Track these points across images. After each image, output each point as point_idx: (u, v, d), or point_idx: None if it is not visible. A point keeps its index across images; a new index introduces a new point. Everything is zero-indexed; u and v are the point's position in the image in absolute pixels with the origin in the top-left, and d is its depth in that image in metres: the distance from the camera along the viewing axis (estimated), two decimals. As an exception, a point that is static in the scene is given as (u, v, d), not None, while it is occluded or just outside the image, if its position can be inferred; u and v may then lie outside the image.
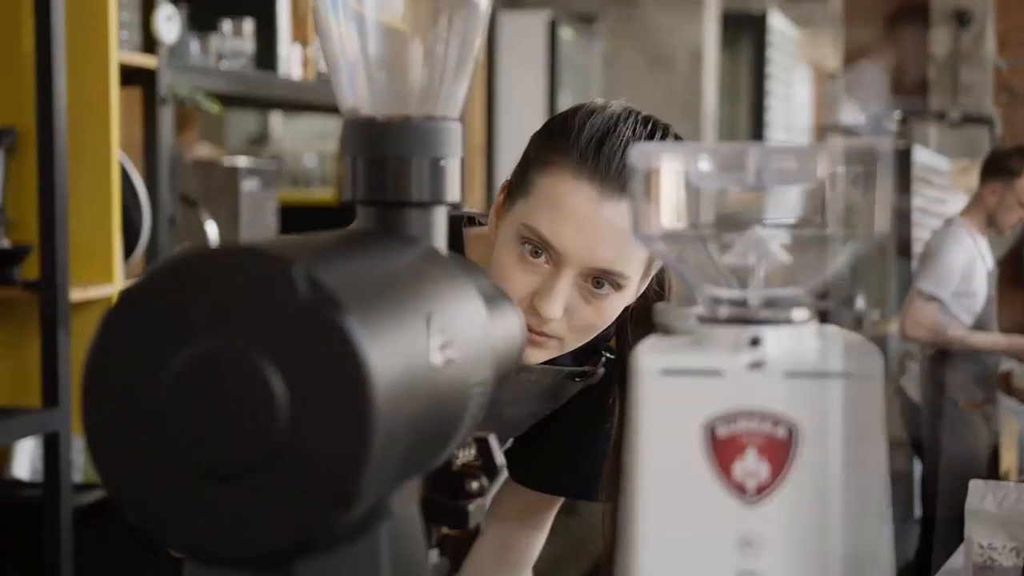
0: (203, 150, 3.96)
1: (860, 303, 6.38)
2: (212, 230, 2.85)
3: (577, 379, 1.38)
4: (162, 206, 2.68)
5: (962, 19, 9.47)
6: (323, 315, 0.62)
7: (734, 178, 0.72)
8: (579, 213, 1.20)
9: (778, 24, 7.54)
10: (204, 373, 0.63)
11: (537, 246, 1.22)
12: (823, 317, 0.72)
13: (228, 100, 3.10)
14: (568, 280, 1.21)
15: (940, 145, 7.78)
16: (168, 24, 2.63)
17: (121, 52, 2.55)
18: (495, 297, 0.88)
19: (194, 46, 2.93)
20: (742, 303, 0.73)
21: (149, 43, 2.66)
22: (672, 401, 0.70)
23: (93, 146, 2.47)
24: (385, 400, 0.63)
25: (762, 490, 0.68)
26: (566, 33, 4.80)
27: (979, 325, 4.22)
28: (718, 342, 0.72)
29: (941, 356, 4.26)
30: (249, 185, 2.94)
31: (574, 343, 1.27)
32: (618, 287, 1.23)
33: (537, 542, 1.53)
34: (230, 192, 2.97)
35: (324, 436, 0.61)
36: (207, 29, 2.99)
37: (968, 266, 4.16)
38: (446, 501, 0.81)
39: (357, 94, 0.85)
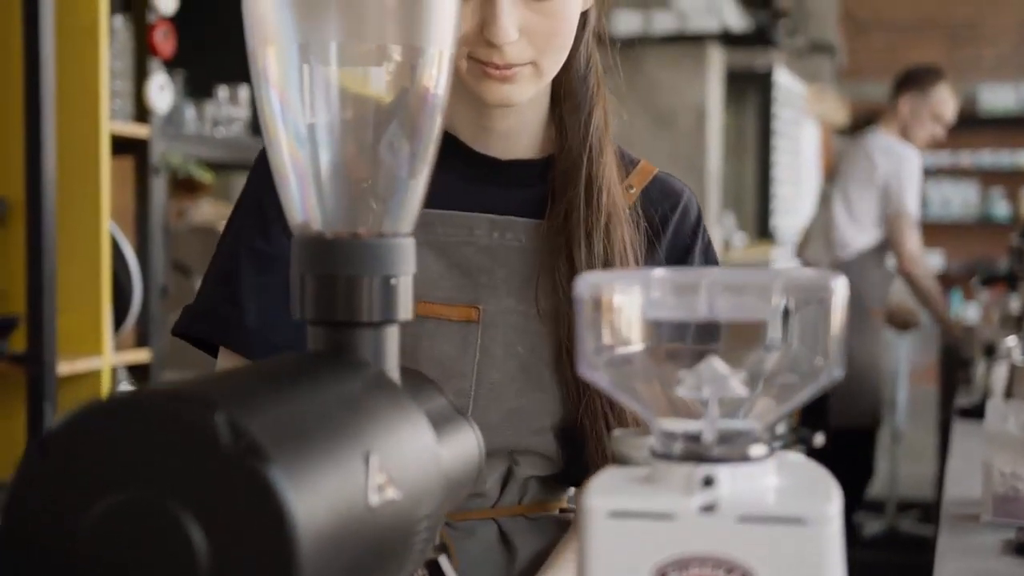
0: (206, 208, 3.95)
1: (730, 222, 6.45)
2: (205, 298, 2.82)
3: None
4: (154, 276, 2.66)
5: None
6: (246, 465, 0.59)
7: (685, 308, 0.70)
8: None
9: (784, 80, 7.54)
10: (123, 524, 0.60)
11: None
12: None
13: (223, 166, 3.09)
14: None
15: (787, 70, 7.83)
16: (161, 93, 2.62)
17: (113, 122, 2.54)
18: (449, 417, 0.85)
19: (189, 112, 2.92)
20: (696, 437, 0.70)
21: (142, 112, 2.65)
22: (622, 545, 0.67)
23: (83, 217, 2.45)
24: (312, 552, 0.60)
25: (711, 647, 0.65)
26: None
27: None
28: (671, 480, 0.69)
29: (854, 265, 4.34)
30: (245, 251, 2.92)
31: (551, 64, 1.17)
32: None
33: None
34: (226, 258, 2.94)
35: (243, 596, 0.58)
36: (203, 96, 2.98)
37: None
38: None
39: (307, 209, 0.82)
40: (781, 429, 2.62)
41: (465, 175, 1.24)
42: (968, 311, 8.75)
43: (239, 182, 3.30)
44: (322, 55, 0.79)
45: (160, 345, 2.70)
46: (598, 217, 1.19)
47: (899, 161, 4.30)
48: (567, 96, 1.24)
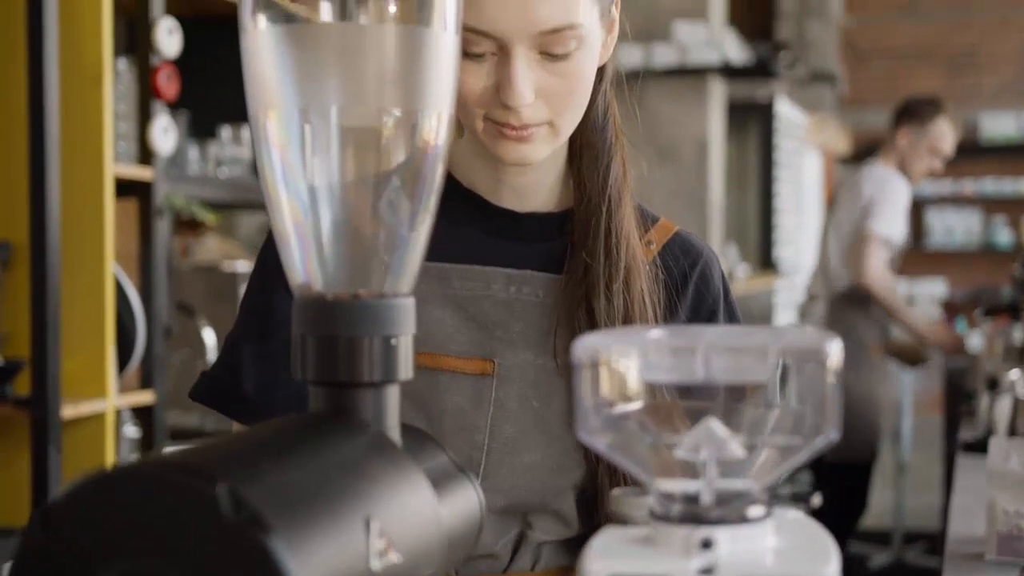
0: (211, 244, 3.95)
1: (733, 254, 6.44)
2: (210, 338, 2.83)
3: None
4: (157, 317, 2.67)
5: None
6: (247, 536, 0.60)
7: (683, 370, 0.70)
8: None
9: (785, 110, 7.57)
10: (125, 595, 0.61)
11: (475, 44, 1.10)
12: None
13: (227, 206, 3.11)
14: (521, 59, 1.10)
15: (789, 100, 7.86)
16: (164, 136, 2.64)
17: (117, 164, 2.55)
18: (450, 475, 0.85)
19: (193, 153, 2.94)
20: (694, 499, 0.70)
21: (146, 154, 2.66)
22: (621, 607, 0.67)
23: (87, 259, 2.46)
24: (314, 621, 0.61)
25: None
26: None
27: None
28: (669, 542, 0.69)
29: (849, 298, 4.29)
30: (249, 290, 2.93)
31: (568, 123, 1.16)
32: (578, 41, 1.12)
33: None
34: (230, 297, 2.96)
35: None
36: (206, 136, 3.00)
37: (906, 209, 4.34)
38: None
39: (308, 270, 0.83)
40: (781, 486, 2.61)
41: (483, 228, 1.23)
42: (973, 339, 8.76)
43: (243, 220, 3.32)
44: (323, 118, 0.80)
45: (164, 386, 2.71)
46: (617, 268, 1.18)
47: (882, 184, 4.29)
48: (585, 148, 1.23)
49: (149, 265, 2.64)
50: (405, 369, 0.82)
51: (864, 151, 10.19)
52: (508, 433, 1.17)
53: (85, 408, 2.45)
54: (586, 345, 0.69)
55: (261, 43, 0.80)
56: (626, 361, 0.70)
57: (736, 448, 0.70)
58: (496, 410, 1.17)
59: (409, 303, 0.83)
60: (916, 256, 10.32)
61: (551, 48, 1.11)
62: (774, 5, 9.84)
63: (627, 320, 1.16)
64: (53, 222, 2.35)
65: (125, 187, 2.61)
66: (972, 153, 10.09)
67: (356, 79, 0.79)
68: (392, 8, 0.79)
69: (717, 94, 5.65)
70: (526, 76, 1.10)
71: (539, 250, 1.23)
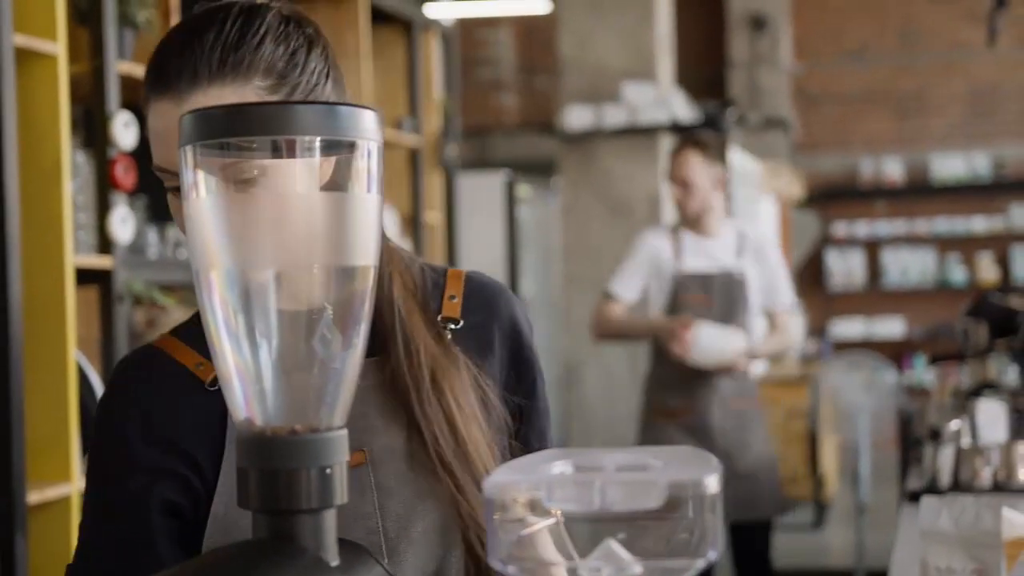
0: (176, 317, 4.01)
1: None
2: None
3: None
4: (120, 399, 2.73)
5: (757, 23, 9.77)
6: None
7: (583, 501, 0.79)
8: (159, 131, 1.17)
9: (738, 160, 7.71)
10: None
11: (171, 182, 1.17)
12: None
13: (188, 287, 3.19)
14: None
15: (742, 149, 7.98)
16: (123, 225, 2.72)
17: (77, 255, 2.63)
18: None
19: (152, 237, 3.01)
20: (597, 613, 0.79)
21: (105, 243, 2.74)
22: None
23: (49, 348, 2.53)
24: None
25: None
26: (523, 190, 4.92)
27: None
28: (574, 655, 0.77)
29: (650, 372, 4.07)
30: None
31: None
32: (260, 171, 1.10)
33: None
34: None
35: None
36: (165, 219, 3.08)
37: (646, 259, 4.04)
38: None
39: (249, 408, 0.91)
40: None
41: None
42: (929, 377, 8.92)
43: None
44: (259, 276, 0.89)
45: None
46: (422, 375, 1.24)
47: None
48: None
49: (110, 351, 2.71)
50: (340, 494, 0.91)
51: (818, 195, 10.40)
52: (397, 511, 1.23)
53: (50, 493, 2.52)
54: (495, 482, 0.78)
55: (202, 209, 0.89)
56: (532, 494, 0.79)
57: (634, 567, 0.79)
58: (379, 493, 1.24)
59: (342, 435, 0.92)
60: (873, 296, 10.50)
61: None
62: (725, 54, 10.04)
63: (449, 419, 1.22)
64: (16, 311, 2.42)
65: (85, 275, 2.69)
66: (924, 194, 10.31)
67: (290, 242, 0.89)
68: (318, 177, 0.88)
69: (667, 150, 5.78)
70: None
71: None
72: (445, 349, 1.26)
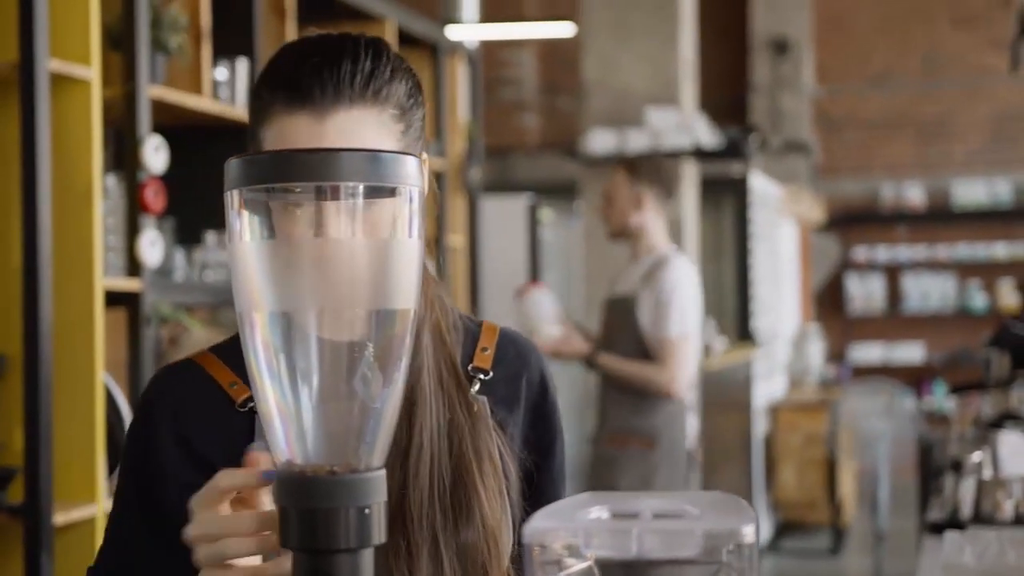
0: (198, 335, 4.03)
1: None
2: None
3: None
4: (146, 421, 2.76)
5: (780, 47, 9.75)
6: None
7: (620, 548, 0.80)
8: (297, 145, 1.15)
9: (759, 184, 7.72)
10: None
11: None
12: None
13: (213, 307, 3.21)
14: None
15: (763, 172, 7.96)
16: (152, 248, 2.75)
17: (107, 277, 2.65)
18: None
19: (179, 259, 3.04)
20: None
21: (134, 266, 2.77)
22: None
23: (78, 370, 2.56)
24: None
25: None
26: (546, 215, 4.93)
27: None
28: None
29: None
30: (233, 389, 3.02)
31: None
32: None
33: None
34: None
35: None
36: (192, 242, 3.11)
37: None
38: None
39: (290, 448, 0.93)
40: None
41: None
42: (949, 404, 8.88)
43: (229, 315, 3.41)
44: (302, 318, 0.91)
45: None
46: (430, 424, 1.24)
47: None
48: None
49: (137, 372, 2.73)
50: (379, 534, 0.92)
51: (839, 218, 10.39)
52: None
53: (76, 514, 2.54)
54: (534, 529, 0.80)
55: (247, 252, 0.91)
56: (570, 541, 0.80)
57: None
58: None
59: (380, 475, 0.93)
60: (893, 321, 10.47)
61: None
62: (747, 78, 10.05)
63: (406, 450, 1.22)
64: (46, 334, 2.45)
65: (114, 298, 2.71)
66: (945, 219, 10.28)
67: (332, 285, 0.90)
68: (361, 222, 0.90)
69: (690, 176, 5.79)
70: None
71: None
72: (465, 400, 1.27)
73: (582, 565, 0.83)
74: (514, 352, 1.35)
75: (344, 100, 1.16)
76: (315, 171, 0.90)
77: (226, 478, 1.01)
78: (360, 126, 1.17)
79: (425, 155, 1.26)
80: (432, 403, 1.25)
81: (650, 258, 3.92)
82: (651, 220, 3.94)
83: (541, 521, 0.80)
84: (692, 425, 4.01)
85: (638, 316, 3.82)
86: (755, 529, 0.79)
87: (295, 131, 1.17)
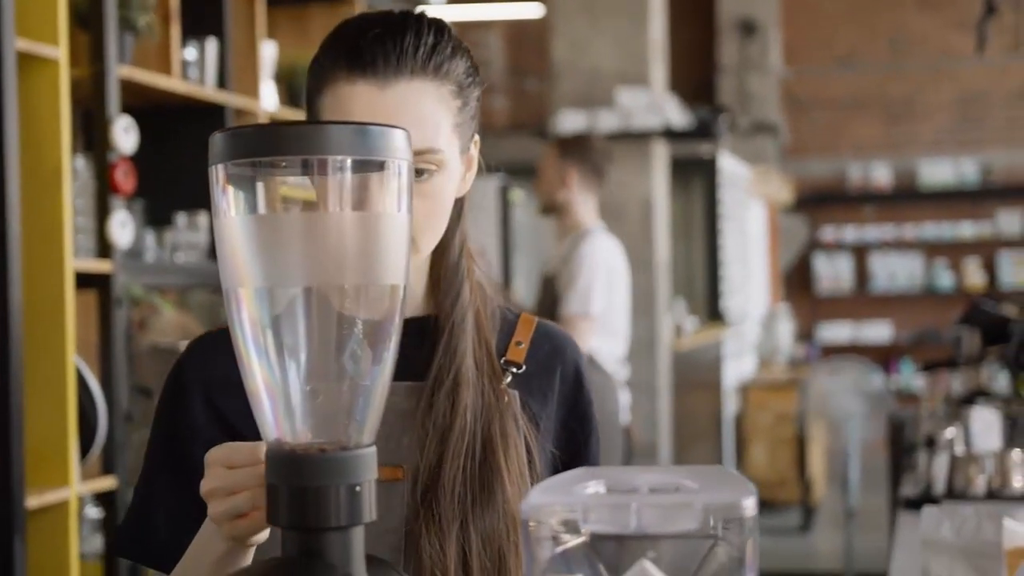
0: (167, 317, 3.99)
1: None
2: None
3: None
4: (118, 404, 2.73)
5: (748, 28, 9.78)
6: None
7: (619, 523, 0.79)
8: (357, 112, 1.17)
9: (728, 165, 7.73)
10: None
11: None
12: None
13: (184, 289, 3.19)
14: None
15: (732, 153, 7.99)
16: (122, 229, 2.72)
17: (77, 259, 2.62)
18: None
19: (150, 240, 3.01)
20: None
21: (104, 247, 2.74)
22: None
23: (49, 352, 2.53)
24: None
25: None
26: (517, 196, 4.92)
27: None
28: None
29: None
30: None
31: (427, 242, 1.22)
32: (438, 165, 1.19)
33: None
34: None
35: None
36: (163, 223, 3.08)
37: None
38: None
39: (279, 427, 0.92)
40: None
41: None
42: (917, 382, 8.96)
43: (198, 297, 3.39)
44: (289, 294, 0.89)
45: (125, 470, 2.77)
46: (443, 380, 1.24)
47: None
48: (441, 279, 1.28)
49: (108, 354, 2.70)
50: (369, 511, 0.91)
51: (807, 199, 10.43)
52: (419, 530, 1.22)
53: (49, 497, 2.51)
54: (531, 504, 0.79)
55: (233, 227, 0.89)
56: (568, 515, 0.79)
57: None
58: (409, 511, 1.23)
59: (371, 452, 0.92)
60: (861, 300, 10.53)
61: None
62: (715, 59, 10.05)
63: (448, 427, 1.21)
64: (16, 317, 2.42)
65: (84, 279, 2.68)
66: (912, 199, 10.34)
67: (318, 260, 0.89)
68: (349, 196, 0.88)
69: (660, 155, 5.79)
70: None
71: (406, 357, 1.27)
72: (497, 388, 1.26)
73: (579, 539, 0.82)
74: (549, 347, 1.34)
75: (405, 71, 1.18)
76: (302, 144, 0.88)
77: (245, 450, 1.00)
78: (420, 96, 1.18)
79: (477, 136, 1.27)
80: (473, 385, 1.25)
81: (573, 235, 3.96)
82: (577, 197, 3.96)
83: (538, 496, 0.79)
84: (625, 400, 4.03)
85: (558, 293, 3.87)
86: (754, 502, 0.78)
87: (355, 99, 1.18)
